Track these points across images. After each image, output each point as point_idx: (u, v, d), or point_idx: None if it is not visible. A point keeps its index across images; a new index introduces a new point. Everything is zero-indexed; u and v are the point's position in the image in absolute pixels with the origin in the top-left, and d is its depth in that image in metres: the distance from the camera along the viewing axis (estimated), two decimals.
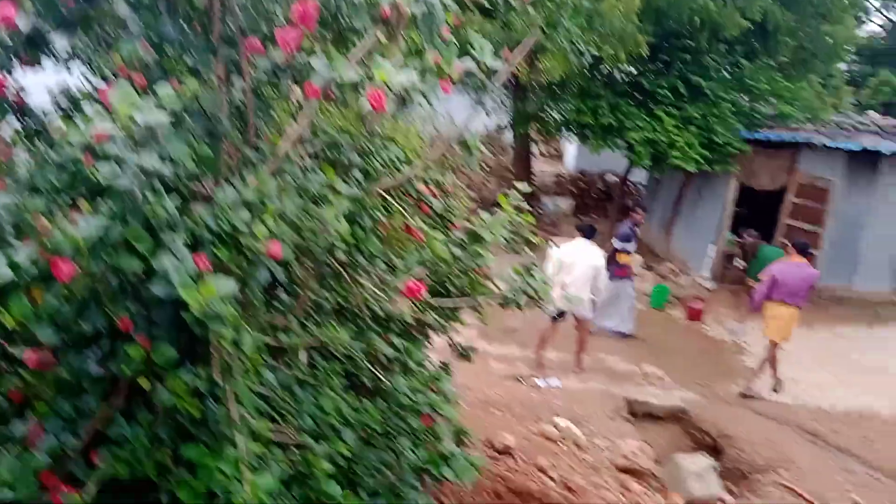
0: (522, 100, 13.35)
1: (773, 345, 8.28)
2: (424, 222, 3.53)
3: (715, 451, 7.10)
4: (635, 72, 11.97)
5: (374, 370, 2.57)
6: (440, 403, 2.43)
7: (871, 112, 25.32)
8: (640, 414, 7.68)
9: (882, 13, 28.46)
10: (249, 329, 1.82)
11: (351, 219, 2.32)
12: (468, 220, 3.10)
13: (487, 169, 19.84)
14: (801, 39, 12.29)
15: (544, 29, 2.29)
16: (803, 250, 8.34)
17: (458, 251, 2.65)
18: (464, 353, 3.50)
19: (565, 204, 16.68)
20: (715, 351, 9.85)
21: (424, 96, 1.72)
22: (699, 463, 6.01)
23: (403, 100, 1.69)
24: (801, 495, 6.11)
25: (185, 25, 2.33)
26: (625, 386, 8.13)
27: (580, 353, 8.54)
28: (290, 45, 1.96)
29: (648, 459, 6.22)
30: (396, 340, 2.69)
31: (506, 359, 8.69)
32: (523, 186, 3.61)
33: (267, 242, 1.70)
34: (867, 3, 24.26)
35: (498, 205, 3.26)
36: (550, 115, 11.97)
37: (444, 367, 3.39)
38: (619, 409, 7.37)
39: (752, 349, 9.90)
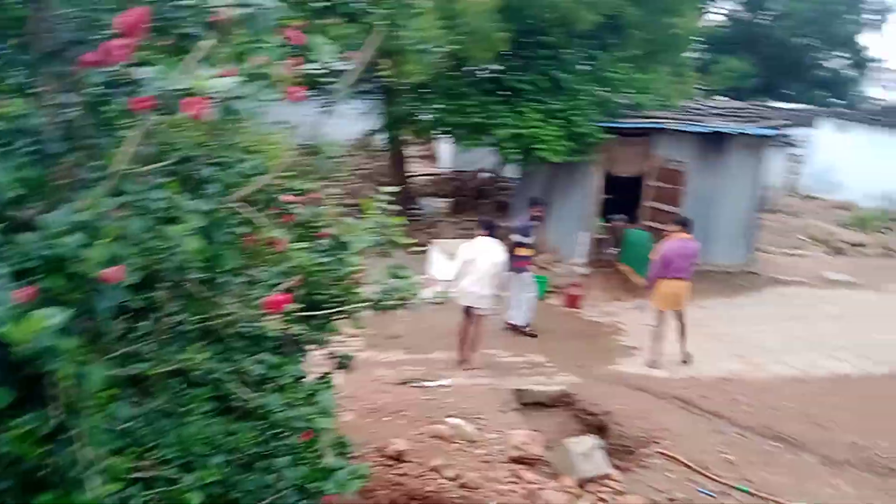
0: (391, 103, 13.36)
1: (679, 314, 8.98)
2: (291, 233, 3.45)
3: (601, 430, 7.39)
4: (499, 69, 12.24)
5: (243, 390, 2.47)
6: (316, 418, 2.36)
7: (718, 97, 27.29)
8: (529, 403, 7.87)
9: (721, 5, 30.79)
10: (96, 361, 1.70)
11: (204, 235, 2.21)
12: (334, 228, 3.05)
13: (363, 174, 19.73)
14: (650, 32, 13.01)
15: (391, 30, 2.28)
16: (684, 225, 9.01)
17: (323, 259, 2.60)
18: (342, 364, 3.44)
19: (442, 204, 16.85)
20: (593, 334, 10.26)
21: (259, 100, 1.63)
22: (585, 444, 6.23)
23: (228, 107, 1.61)
24: (680, 461, 6.47)
25: (5, 40, 2.15)
26: (512, 377, 8.30)
27: (473, 351, 8.62)
28: (120, 55, 1.85)
29: (538, 447, 6.37)
30: (267, 357, 2.60)
31: (393, 364, 8.65)
32: (391, 189, 3.61)
33: (104, 267, 1.58)
34: None
35: (388, 212, 3.23)
36: (420, 116, 12.05)
37: (324, 379, 3.32)
38: (507, 402, 7.51)
39: (627, 328, 10.39)
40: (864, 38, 28.90)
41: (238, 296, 2.31)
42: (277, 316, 2.55)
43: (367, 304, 2.79)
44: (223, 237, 2.25)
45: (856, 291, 12.80)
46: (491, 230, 8.53)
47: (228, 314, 2.36)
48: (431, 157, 23.78)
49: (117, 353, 2.12)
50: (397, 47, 10.20)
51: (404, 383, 7.92)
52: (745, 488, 6.10)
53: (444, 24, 10.30)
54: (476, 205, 17.94)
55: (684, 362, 8.99)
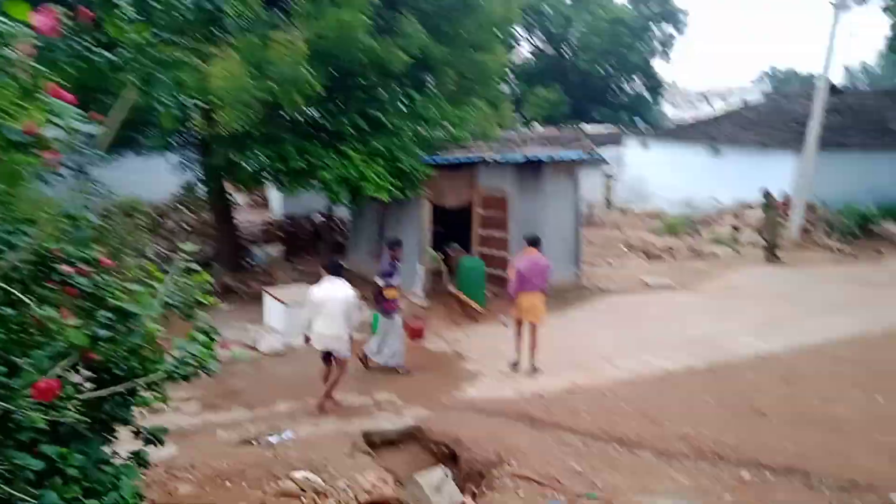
0: (209, 153, 12.88)
1: (533, 328, 9.66)
2: (73, 307, 3.15)
3: (453, 458, 7.41)
4: (317, 113, 12.19)
5: (21, 489, 2.19)
6: None
7: (536, 124, 28.97)
8: (379, 443, 7.76)
9: (529, 41, 32.87)
10: None
11: None
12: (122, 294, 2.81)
13: (188, 228, 18.83)
14: (461, 69, 13.55)
15: (141, 87, 2.15)
16: (535, 244, 9.75)
17: (104, 333, 2.38)
18: (152, 439, 3.17)
19: (275, 250, 16.45)
20: (438, 363, 10.33)
21: None
22: (435, 476, 6.21)
23: None
24: (531, 479, 6.61)
25: None
26: (360, 419, 8.16)
27: (330, 394, 8.49)
28: None
29: (390, 487, 6.26)
30: (48, 449, 2.33)
31: (233, 424, 8.21)
32: (192, 248, 3.41)
33: None
34: (515, 33, 27.78)
35: (191, 270, 3.03)
36: (240, 165, 11.69)
37: (128, 462, 3.05)
38: (356, 445, 7.36)
39: (470, 354, 10.58)
40: (655, 64, 32.10)
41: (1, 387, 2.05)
42: (56, 402, 2.31)
43: (163, 374, 2.58)
44: None
45: (673, 293, 13.90)
46: (336, 270, 8.44)
47: None
48: (264, 204, 23.22)
49: None
50: (218, 100, 9.94)
51: (246, 442, 7.54)
52: (593, 495, 6.32)
53: (254, 73, 10.13)
54: (312, 248, 17.68)
55: (534, 371, 9.55)
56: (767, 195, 16.75)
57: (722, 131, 23.16)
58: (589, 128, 30.65)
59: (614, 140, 26.86)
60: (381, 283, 9.40)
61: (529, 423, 7.94)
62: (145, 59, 2.06)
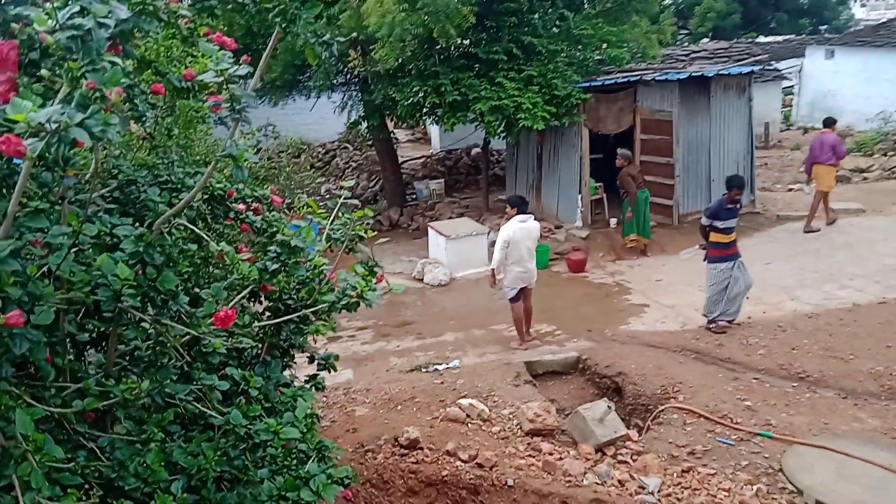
0: (368, 92, 13.22)
1: (821, 194, 11.74)
2: (247, 242, 3.37)
3: (617, 391, 7.32)
4: (469, 43, 12.06)
5: (212, 409, 2.40)
6: (282, 428, 2.29)
7: (704, 40, 26.93)
8: (542, 373, 7.81)
9: None
10: (23, 404, 1.62)
11: (139, 259, 2.13)
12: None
13: (354, 165, 19.66)
14: None
15: (281, 24, 2.17)
16: (828, 125, 11.72)
17: (274, 266, 2.51)
18: (325, 365, 3.37)
19: (437, 185, 16.75)
20: (601, 296, 10.15)
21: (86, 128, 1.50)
22: (599, 409, 6.13)
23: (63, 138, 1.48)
24: (699, 415, 6.38)
25: None
26: (522, 350, 8.25)
27: (529, 326, 8.56)
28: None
29: (553, 417, 6.29)
30: (233, 371, 2.54)
31: (405, 352, 8.62)
32: (350, 184, 3.51)
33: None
34: None
35: (371, 201, 3.15)
36: (397, 101, 11.89)
37: (305, 386, 3.26)
38: (520, 375, 7.43)
39: (633, 286, 10.28)
40: None
41: (186, 315, 2.23)
42: (234, 330, 2.49)
43: (329, 305, 2.70)
44: (158, 259, 2.16)
45: (863, 218, 12.58)
46: (524, 207, 8.28)
47: (182, 335, 2.29)
48: (426, 140, 23.66)
49: (61, 390, 2.05)
50: (373, 36, 10.12)
51: (416, 369, 7.89)
52: (767, 433, 6.00)
53: (407, 7, 10.14)
54: (471, 182, 17.85)
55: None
56: None
57: None
58: (764, 39, 27.98)
59: (794, 51, 24.32)
60: (704, 222, 8.26)
61: (698, 358, 7.63)
62: None
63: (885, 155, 17.32)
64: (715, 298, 8.24)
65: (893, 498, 4.99)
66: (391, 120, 15.50)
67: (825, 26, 29.15)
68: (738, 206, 8.22)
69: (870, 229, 11.77)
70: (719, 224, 8.09)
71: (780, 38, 28.60)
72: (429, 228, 12.29)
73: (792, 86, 23.60)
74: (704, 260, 8.39)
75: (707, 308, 8.36)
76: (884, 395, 6.53)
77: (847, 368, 7.04)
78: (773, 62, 21.29)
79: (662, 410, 6.58)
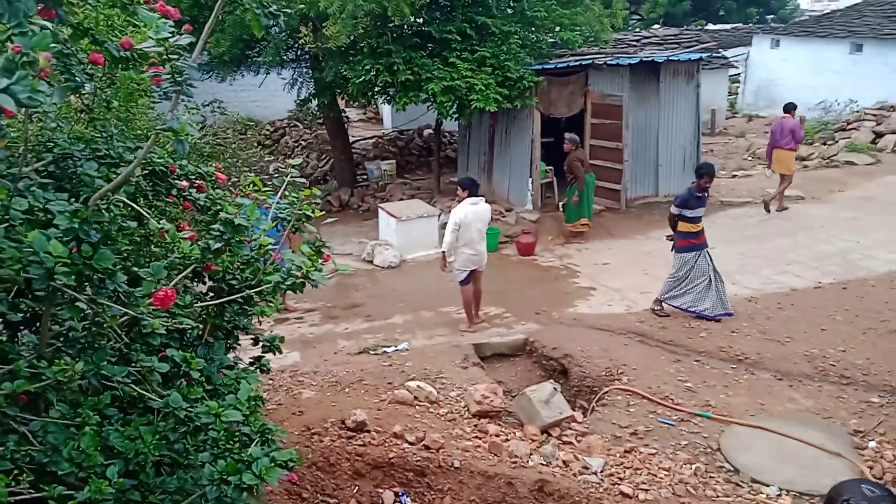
0: (319, 69, 12.99)
1: (783, 177, 12.43)
2: (193, 220, 3.27)
3: (564, 373, 7.42)
4: (422, 22, 11.94)
5: (150, 391, 2.33)
6: (224, 410, 2.23)
7: (654, 26, 27.26)
8: (490, 355, 7.87)
9: None
10: None
11: (74, 236, 2.04)
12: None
13: (304, 144, 19.35)
14: None
15: None
16: (788, 110, 12.09)
17: (217, 245, 2.44)
18: (269, 347, 3.31)
19: (388, 166, 16.63)
20: (549, 279, 10.25)
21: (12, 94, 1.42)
22: (545, 390, 6.22)
23: None
24: (642, 396, 6.53)
25: None
26: (470, 332, 8.29)
27: (478, 309, 8.60)
28: None
29: (500, 399, 6.35)
30: (174, 353, 2.46)
31: (353, 334, 8.57)
32: (296, 161, 3.44)
33: None
34: None
35: (321, 181, 3.08)
36: (349, 79, 11.71)
37: (249, 367, 3.20)
38: (468, 357, 7.48)
39: (582, 269, 10.41)
40: None
41: (124, 295, 2.15)
42: (175, 310, 2.41)
43: (273, 285, 2.64)
44: (96, 236, 2.07)
45: (803, 205, 12.99)
46: (475, 189, 8.22)
47: (120, 316, 2.21)
48: (378, 120, 23.42)
49: None
50: (314, 11, 9.93)
51: (364, 352, 7.85)
52: (706, 414, 6.18)
53: None
54: (422, 163, 17.77)
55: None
56: None
57: (864, 23, 20.83)
58: (713, 26, 28.52)
59: (742, 39, 24.84)
60: (674, 211, 8.14)
61: (642, 340, 7.79)
62: None
63: (824, 144, 17.87)
64: (672, 284, 8.26)
65: (825, 476, 5.19)
66: (342, 98, 15.26)
67: (772, 16, 29.85)
68: (706, 194, 8.16)
69: (809, 216, 12.17)
70: (688, 213, 8.00)
71: (728, 27, 29.19)
72: (379, 210, 12.20)
73: (738, 74, 24.12)
74: (672, 250, 8.31)
75: (662, 291, 8.39)
76: (817, 376, 6.78)
77: (783, 351, 7.29)
78: (720, 50, 21.71)
79: (607, 392, 6.72)
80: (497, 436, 5.86)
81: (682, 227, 8.09)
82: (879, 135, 17.66)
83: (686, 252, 8.14)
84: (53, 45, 1.57)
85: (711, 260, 8.19)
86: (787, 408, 6.29)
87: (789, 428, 5.85)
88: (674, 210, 8.12)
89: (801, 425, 5.92)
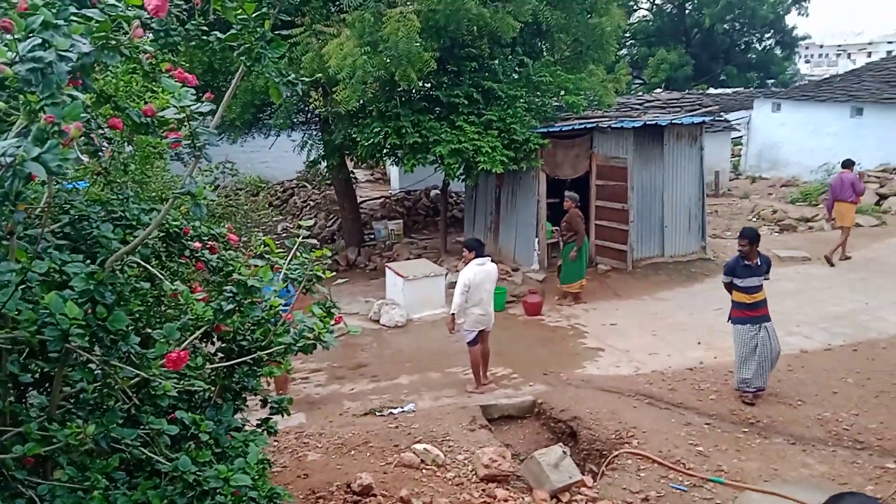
0: (328, 131, 13.26)
1: (844, 230, 12.94)
2: (202, 281, 3.30)
3: (573, 435, 7.31)
4: (430, 86, 12.23)
5: (159, 453, 2.31)
6: (233, 475, 2.21)
7: (657, 90, 27.84)
8: (497, 417, 7.77)
9: None
10: None
11: (89, 297, 2.06)
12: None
13: (312, 204, 19.58)
14: (574, 34, 13.16)
15: (246, 62, 2.16)
16: (846, 166, 12.78)
17: (229, 307, 2.46)
18: (278, 409, 3.29)
19: (395, 226, 16.76)
20: (556, 339, 10.19)
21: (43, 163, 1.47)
22: (554, 454, 6.12)
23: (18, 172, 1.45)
24: (653, 460, 6.40)
25: None
26: (478, 394, 8.20)
27: (486, 369, 8.50)
28: None
29: (509, 463, 6.24)
30: (183, 415, 2.45)
31: (359, 395, 8.48)
32: (308, 223, 3.49)
33: None
34: None
35: (329, 241, 3.12)
36: (358, 142, 11.95)
37: (257, 429, 3.17)
38: (475, 419, 7.38)
39: (590, 330, 10.36)
40: (790, 18, 29.93)
41: (136, 356, 2.16)
42: (186, 372, 2.41)
43: (285, 347, 2.65)
44: (111, 297, 2.10)
45: (809, 266, 13.00)
46: (482, 250, 8.26)
47: (131, 377, 2.21)
48: (383, 180, 23.74)
49: (0, 434, 1.95)
50: (325, 77, 10.19)
51: (370, 413, 7.76)
52: (719, 479, 6.04)
53: (369, 50, 10.26)
54: (429, 223, 17.92)
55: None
56: None
57: (864, 87, 21.21)
58: (714, 91, 29.10)
59: (743, 103, 25.31)
60: (723, 280, 7.71)
61: (652, 403, 7.68)
62: (252, 37, 2.07)
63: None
64: (743, 361, 7.54)
65: None
66: (351, 159, 15.53)
67: (772, 80, 30.47)
68: (758, 263, 7.42)
69: (815, 277, 12.15)
70: (739, 282, 7.44)
71: (729, 91, 29.78)
72: (386, 269, 12.24)
73: (740, 136, 24.47)
74: (728, 320, 7.77)
75: (736, 375, 7.64)
76: (831, 441, 6.66)
77: (795, 414, 7.18)
78: (722, 113, 22.08)
79: (617, 456, 6.59)
80: (505, 501, 5.74)
81: (736, 296, 7.54)
82: (883, 196, 17.80)
83: (741, 324, 7.56)
84: (81, 114, 1.63)
85: (771, 338, 7.49)
86: (801, 473, 6.16)
87: (804, 494, 5.71)
88: (723, 278, 7.71)
89: (816, 491, 5.78)
